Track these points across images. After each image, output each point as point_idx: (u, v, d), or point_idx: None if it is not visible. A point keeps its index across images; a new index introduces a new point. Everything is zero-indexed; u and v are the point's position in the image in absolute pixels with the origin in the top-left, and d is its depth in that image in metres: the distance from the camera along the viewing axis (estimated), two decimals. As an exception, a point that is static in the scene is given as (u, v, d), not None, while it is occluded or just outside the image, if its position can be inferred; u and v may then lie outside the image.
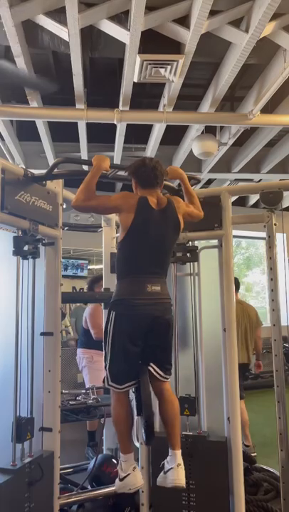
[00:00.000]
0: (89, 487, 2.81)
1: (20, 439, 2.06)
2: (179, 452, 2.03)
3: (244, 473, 2.45)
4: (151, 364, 2.08)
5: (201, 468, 2.43)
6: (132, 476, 2.00)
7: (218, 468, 2.40)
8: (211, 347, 2.59)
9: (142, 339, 2.04)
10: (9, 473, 1.96)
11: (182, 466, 2.00)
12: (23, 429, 2.07)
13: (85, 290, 4.60)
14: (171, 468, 1.99)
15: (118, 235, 2.20)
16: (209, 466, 2.43)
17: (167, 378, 2.12)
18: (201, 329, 2.63)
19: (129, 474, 2.00)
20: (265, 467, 3.28)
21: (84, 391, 3.02)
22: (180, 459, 2.01)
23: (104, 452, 3.26)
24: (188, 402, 2.51)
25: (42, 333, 2.37)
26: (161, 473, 2.06)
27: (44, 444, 2.31)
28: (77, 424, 2.89)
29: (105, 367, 2.08)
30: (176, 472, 1.97)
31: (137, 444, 2.67)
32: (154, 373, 2.08)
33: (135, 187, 2.19)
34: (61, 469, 2.46)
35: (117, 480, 2.05)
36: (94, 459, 2.85)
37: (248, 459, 3.18)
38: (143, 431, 2.12)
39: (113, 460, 2.99)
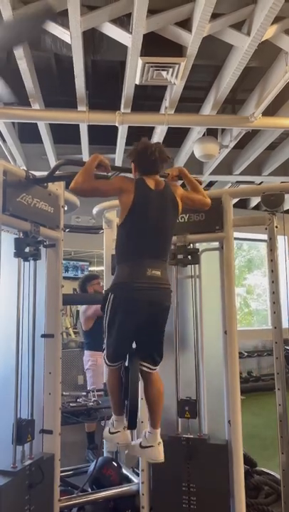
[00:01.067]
0: (89, 490, 2.80)
1: (20, 441, 2.06)
2: (158, 431, 2.14)
3: (245, 476, 2.44)
4: (142, 362, 2.10)
5: (202, 471, 2.42)
6: (121, 434, 2.20)
7: (219, 471, 2.39)
8: (212, 349, 2.59)
9: (138, 324, 2.03)
10: (9, 475, 1.96)
11: (161, 444, 2.14)
12: (23, 431, 2.07)
13: (77, 290, 4.57)
14: (152, 446, 2.12)
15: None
16: (210, 469, 2.42)
17: (156, 369, 2.15)
18: (202, 332, 2.62)
19: (119, 432, 2.20)
20: (265, 470, 3.26)
21: (84, 393, 3.02)
22: (159, 437, 2.15)
23: (105, 455, 3.26)
24: (188, 405, 2.50)
25: (43, 335, 2.37)
26: (136, 443, 2.20)
27: (44, 446, 2.30)
28: (78, 426, 2.88)
29: (103, 341, 2.12)
30: (157, 450, 2.12)
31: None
32: (145, 369, 2.11)
33: (134, 171, 2.18)
34: (61, 472, 2.46)
35: (107, 431, 2.26)
36: (94, 462, 2.84)
37: (248, 462, 3.17)
38: (127, 416, 2.12)
39: (113, 463, 2.99)
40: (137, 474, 2.75)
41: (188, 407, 2.50)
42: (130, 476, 2.97)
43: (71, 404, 2.82)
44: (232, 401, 2.41)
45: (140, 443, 2.17)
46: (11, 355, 2.13)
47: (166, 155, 2.12)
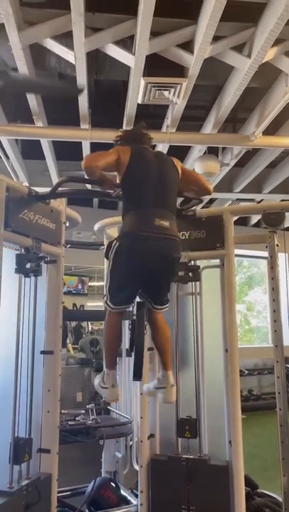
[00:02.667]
0: (87, 511, 2.74)
1: (17, 461, 2.03)
2: (170, 372, 2.16)
3: (246, 498, 2.39)
4: (149, 300, 2.13)
5: (202, 492, 2.37)
6: (110, 391, 2.14)
7: (220, 493, 2.34)
8: (213, 367, 2.57)
9: (144, 274, 2.01)
10: (6, 495, 1.92)
11: (174, 386, 2.16)
12: (20, 450, 2.03)
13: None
14: (164, 387, 2.13)
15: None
16: (210, 491, 2.37)
17: (163, 309, 2.17)
18: (203, 349, 2.60)
19: (107, 388, 2.14)
20: (267, 492, 3.20)
21: (83, 411, 2.98)
22: (172, 379, 2.15)
23: (103, 475, 3.20)
24: (189, 424, 2.47)
25: (42, 352, 2.36)
26: (150, 385, 2.23)
27: (42, 465, 2.26)
28: (76, 445, 2.83)
29: (105, 286, 2.12)
30: (169, 392, 2.12)
31: (137, 467, 2.63)
32: (150, 307, 2.13)
33: None
34: (59, 492, 2.41)
35: (97, 383, 2.21)
36: (92, 482, 2.79)
37: (249, 483, 3.10)
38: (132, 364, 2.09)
39: (112, 483, 2.93)
40: (136, 495, 2.70)
41: (189, 427, 2.47)
42: (129, 498, 2.91)
43: (70, 423, 2.77)
44: (233, 421, 2.38)
45: (154, 385, 2.19)
46: (10, 371, 2.11)
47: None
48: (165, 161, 2.15)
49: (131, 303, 2.15)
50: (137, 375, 2.06)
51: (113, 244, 2.03)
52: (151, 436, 2.56)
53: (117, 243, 2.01)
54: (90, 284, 7.27)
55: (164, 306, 2.17)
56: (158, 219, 1.96)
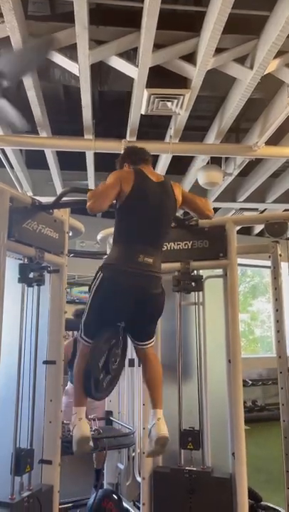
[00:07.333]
0: (88, 523, 2.71)
1: (19, 472, 2.02)
2: (159, 410, 2.14)
3: (249, 511, 2.36)
4: (130, 337, 2.15)
5: (205, 505, 2.34)
6: (77, 427, 2.06)
7: (223, 505, 2.31)
8: (216, 378, 2.55)
9: (123, 308, 2.04)
10: (7, 506, 1.91)
11: (162, 420, 2.12)
12: (22, 461, 2.02)
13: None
14: (153, 424, 2.11)
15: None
16: (213, 504, 2.34)
17: (148, 345, 2.17)
18: (206, 360, 2.59)
19: (75, 425, 2.06)
20: (271, 505, 3.15)
21: (86, 421, 2.96)
22: (160, 414, 2.13)
23: (105, 487, 3.17)
24: (191, 436, 2.45)
25: (44, 362, 2.35)
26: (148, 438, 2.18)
27: (43, 477, 2.25)
28: (78, 456, 2.81)
29: (82, 319, 2.12)
30: (157, 425, 2.09)
31: (139, 479, 2.60)
32: (133, 343, 2.16)
33: (128, 168, 2.22)
34: (60, 504, 2.38)
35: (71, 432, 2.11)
36: (94, 494, 2.76)
37: (253, 496, 3.06)
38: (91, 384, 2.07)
39: (114, 495, 2.90)
40: (138, 508, 2.67)
41: (191, 438, 2.45)
42: (131, 510, 2.88)
43: (71, 434, 2.75)
44: (236, 432, 2.36)
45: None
46: (12, 381, 2.11)
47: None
48: (166, 192, 2.14)
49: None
50: (97, 396, 2.11)
51: (98, 276, 2.06)
52: (154, 447, 2.53)
53: (101, 274, 2.05)
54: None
55: (147, 343, 2.17)
56: (142, 255, 2.01)
